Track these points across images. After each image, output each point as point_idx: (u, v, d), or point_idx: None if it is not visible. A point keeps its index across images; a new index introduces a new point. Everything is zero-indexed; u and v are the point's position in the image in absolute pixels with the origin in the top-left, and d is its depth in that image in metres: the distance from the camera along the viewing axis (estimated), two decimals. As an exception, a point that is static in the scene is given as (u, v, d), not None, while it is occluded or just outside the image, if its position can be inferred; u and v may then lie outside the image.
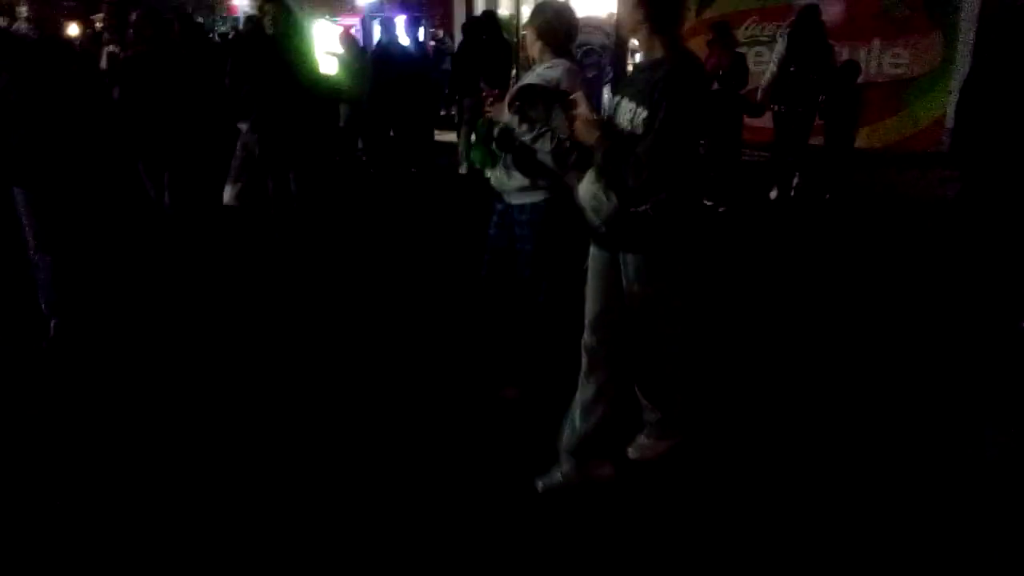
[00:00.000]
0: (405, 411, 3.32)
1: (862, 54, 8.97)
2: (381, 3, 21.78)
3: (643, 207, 2.33)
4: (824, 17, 7.22)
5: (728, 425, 3.23)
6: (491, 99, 3.04)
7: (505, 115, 2.88)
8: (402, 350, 3.95)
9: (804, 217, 7.00)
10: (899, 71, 9.28)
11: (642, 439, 2.90)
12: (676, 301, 2.59)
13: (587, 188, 2.42)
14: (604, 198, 2.35)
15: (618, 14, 11.30)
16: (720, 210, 6.92)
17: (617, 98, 2.46)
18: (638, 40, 2.43)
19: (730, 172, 7.09)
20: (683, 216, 2.45)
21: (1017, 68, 3.56)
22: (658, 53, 2.35)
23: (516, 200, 3.00)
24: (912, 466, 2.92)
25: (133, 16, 4.73)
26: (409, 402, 3.40)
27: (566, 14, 3.02)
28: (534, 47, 3.01)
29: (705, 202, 7.08)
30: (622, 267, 2.49)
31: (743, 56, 7.40)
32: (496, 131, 2.82)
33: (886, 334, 4.25)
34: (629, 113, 2.33)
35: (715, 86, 6.95)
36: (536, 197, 2.94)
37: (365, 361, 3.85)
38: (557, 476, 2.69)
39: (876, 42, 9.29)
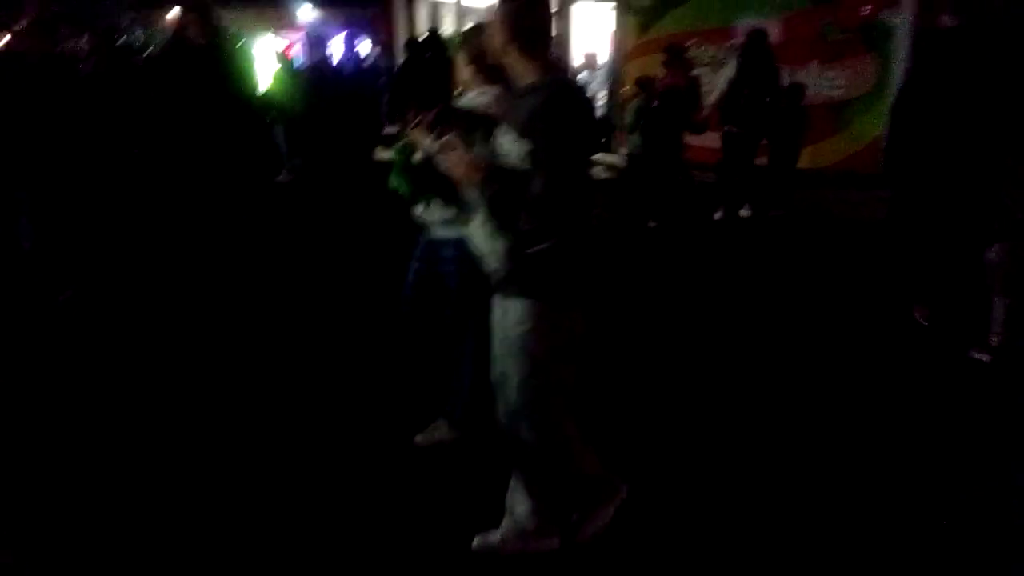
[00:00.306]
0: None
1: (801, 76, 9.05)
2: (323, 20, 21.42)
3: (537, 248, 2.12)
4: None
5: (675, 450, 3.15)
6: (417, 123, 2.82)
7: (427, 141, 2.67)
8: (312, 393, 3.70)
9: (749, 236, 7.06)
10: (836, 93, 9.40)
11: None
12: (560, 367, 2.25)
13: (478, 231, 2.23)
14: (497, 241, 2.17)
15: (559, 32, 11.36)
16: (651, 225, 7.06)
17: (500, 129, 2.27)
18: (508, 65, 2.24)
19: (671, 190, 7.15)
20: (579, 258, 2.24)
21: (937, 89, 3.77)
22: (531, 78, 2.17)
23: (440, 233, 2.79)
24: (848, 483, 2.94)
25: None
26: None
27: None
28: (464, 72, 2.81)
29: (650, 224, 7.19)
30: (501, 313, 2.25)
31: (697, 79, 7.45)
32: (415, 159, 2.61)
33: (815, 347, 4.34)
34: (512, 146, 2.14)
35: (655, 103, 6.96)
36: (461, 231, 2.73)
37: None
38: (494, 539, 2.45)
39: (814, 65, 9.41)
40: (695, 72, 7.75)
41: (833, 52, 9.46)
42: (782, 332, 4.62)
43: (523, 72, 2.18)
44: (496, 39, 2.18)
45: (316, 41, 8.08)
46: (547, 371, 2.21)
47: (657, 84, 7.32)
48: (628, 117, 7.33)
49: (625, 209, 7.56)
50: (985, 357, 3.97)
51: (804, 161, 7.93)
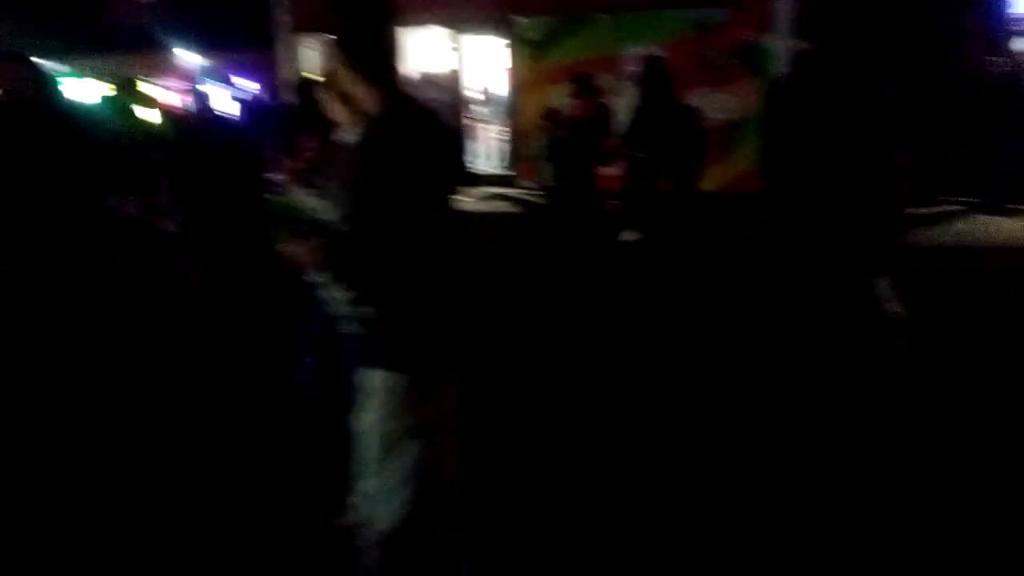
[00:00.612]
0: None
1: (690, 101, 9.30)
2: (213, 67, 20.78)
3: (388, 317, 1.89)
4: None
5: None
6: (293, 174, 2.58)
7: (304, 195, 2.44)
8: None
9: (661, 258, 7.13)
10: (723, 116, 9.71)
11: None
12: (427, 443, 1.96)
13: (337, 297, 1.97)
14: (354, 307, 1.91)
15: (453, 67, 11.33)
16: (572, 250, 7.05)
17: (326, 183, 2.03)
18: (356, 96, 1.97)
19: (586, 218, 7.14)
20: (442, 323, 1.95)
21: (802, 108, 3.83)
22: (374, 108, 1.90)
23: (337, 306, 2.54)
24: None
25: None
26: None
27: None
28: (335, 111, 2.52)
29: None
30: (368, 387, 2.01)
31: (606, 106, 7.46)
32: (291, 214, 2.37)
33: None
34: (328, 202, 1.92)
35: (564, 134, 6.97)
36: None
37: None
38: None
39: (701, 89, 9.70)
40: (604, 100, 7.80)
41: (718, 76, 9.81)
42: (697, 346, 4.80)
43: (368, 102, 1.91)
44: (335, 63, 1.92)
45: (198, 95, 7.59)
46: (413, 447, 1.94)
47: (565, 114, 7.31)
48: (540, 148, 7.28)
49: (542, 239, 7.57)
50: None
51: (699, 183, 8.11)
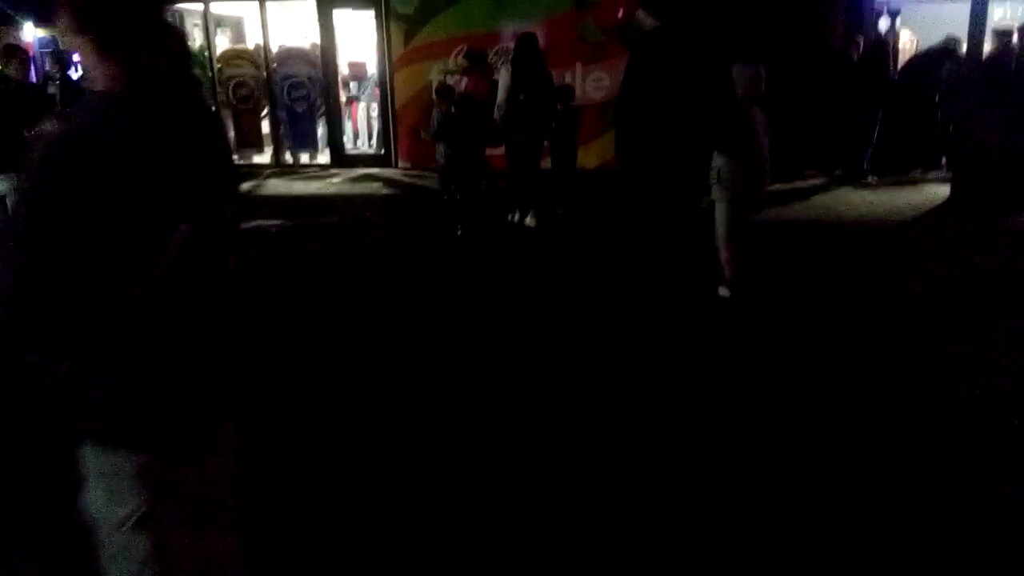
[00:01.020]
0: None
1: (567, 78, 9.18)
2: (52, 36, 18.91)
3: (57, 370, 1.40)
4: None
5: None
6: None
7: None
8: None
9: (542, 235, 7.09)
10: (601, 94, 9.66)
11: None
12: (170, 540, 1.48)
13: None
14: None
15: (323, 42, 10.71)
16: (458, 232, 6.97)
17: None
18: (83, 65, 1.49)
19: (475, 197, 7.08)
20: (179, 383, 1.47)
21: (646, 84, 4.08)
22: (100, 85, 1.36)
23: None
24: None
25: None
26: None
27: None
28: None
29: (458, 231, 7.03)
30: None
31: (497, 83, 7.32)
32: None
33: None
34: None
35: (452, 110, 6.84)
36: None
37: None
38: None
39: (578, 67, 9.60)
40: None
41: (594, 54, 9.73)
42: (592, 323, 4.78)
43: (97, 78, 1.36)
44: (63, 26, 1.35)
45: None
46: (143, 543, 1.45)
47: (458, 91, 7.14)
48: (431, 127, 6.94)
49: (432, 218, 7.39)
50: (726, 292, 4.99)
51: (579, 160, 8.02)
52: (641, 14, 4.41)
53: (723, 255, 4.95)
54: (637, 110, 4.09)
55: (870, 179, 8.92)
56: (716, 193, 4.82)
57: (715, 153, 4.62)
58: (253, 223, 7.31)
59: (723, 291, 5.01)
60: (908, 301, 5.02)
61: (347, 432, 3.42)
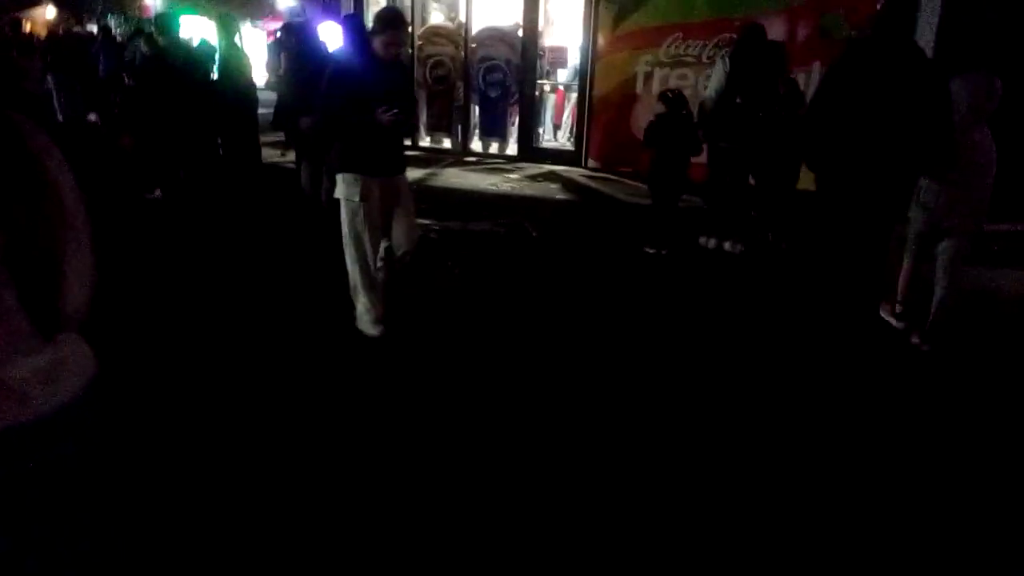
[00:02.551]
0: None
1: (801, 80, 7.61)
2: (302, 7, 20.00)
3: None
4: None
5: None
6: None
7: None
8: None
9: (747, 265, 5.83)
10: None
11: None
12: None
13: None
14: None
15: (525, 23, 9.87)
16: (663, 253, 5.95)
17: None
18: None
19: (672, 213, 6.03)
20: None
21: (856, 91, 3.72)
22: None
23: None
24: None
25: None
26: None
27: None
28: None
29: (647, 249, 6.02)
30: None
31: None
32: None
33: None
34: None
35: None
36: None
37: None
38: None
39: (816, 67, 7.97)
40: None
41: (838, 53, 8.05)
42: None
43: None
44: None
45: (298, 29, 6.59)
46: None
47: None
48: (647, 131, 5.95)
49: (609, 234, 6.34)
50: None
51: (806, 180, 6.51)
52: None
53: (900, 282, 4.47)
54: (835, 116, 3.81)
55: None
56: (914, 217, 4.23)
57: (922, 176, 4.06)
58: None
59: (892, 321, 4.52)
60: None
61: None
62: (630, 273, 5.50)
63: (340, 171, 3.90)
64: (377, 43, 3.77)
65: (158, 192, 6.61)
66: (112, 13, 20.18)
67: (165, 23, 6.28)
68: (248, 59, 7.11)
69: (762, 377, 3.83)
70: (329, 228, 4.15)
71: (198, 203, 6.28)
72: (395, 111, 3.67)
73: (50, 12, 18.94)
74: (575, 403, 3.49)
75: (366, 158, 3.87)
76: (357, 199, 3.85)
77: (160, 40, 6.27)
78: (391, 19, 3.79)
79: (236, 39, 6.83)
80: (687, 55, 8.71)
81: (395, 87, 3.88)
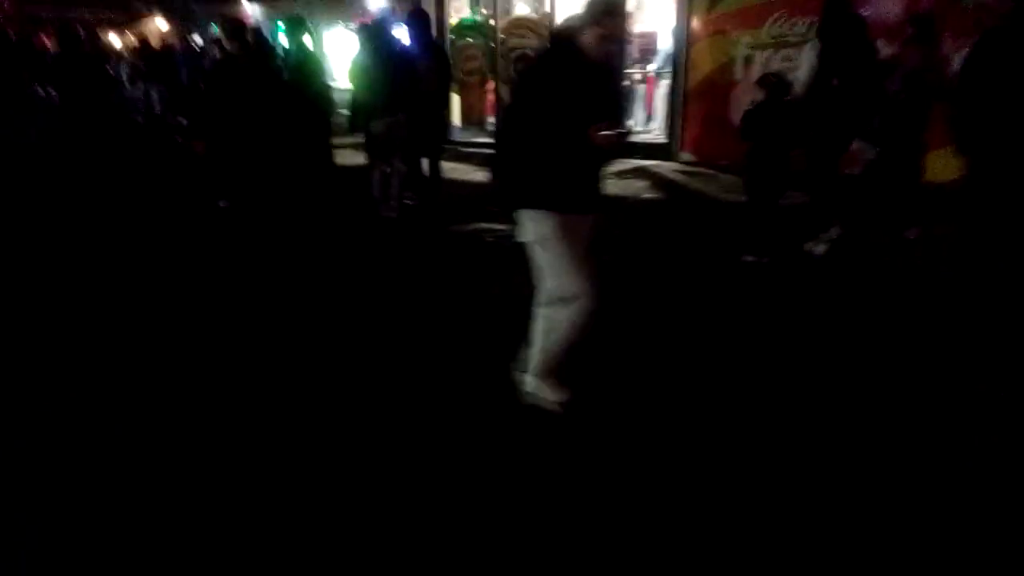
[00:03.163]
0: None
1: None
2: (392, 8, 20.06)
3: None
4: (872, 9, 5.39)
5: None
6: None
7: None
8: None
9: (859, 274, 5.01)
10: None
11: None
12: None
13: None
14: None
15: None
16: (764, 261, 5.22)
17: None
18: None
19: (772, 214, 5.31)
20: None
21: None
22: None
23: None
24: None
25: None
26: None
27: None
28: None
29: (746, 257, 5.32)
30: None
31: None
32: None
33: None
34: None
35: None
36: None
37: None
38: None
39: (947, 41, 6.96)
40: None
41: (971, 24, 7.01)
42: None
43: None
44: None
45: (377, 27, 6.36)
46: None
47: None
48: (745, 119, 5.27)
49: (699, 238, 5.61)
50: None
51: (938, 171, 5.61)
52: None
53: None
54: (993, 94, 3.58)
55: None
56: None
57: None
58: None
59: None
60: None
61: None
62: (722, 288, 4.81)
63: (530, 206, 2.99)
64: (590, 36, 2.84)
65: (224, 202, 6.47)
66: (215, 23, 20.91)
67: (233, 27, 6.11)
68: (321, 61, 6.88)
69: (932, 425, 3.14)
70: (399, 238, 3.80)
71: (262, 212, 6.08)
72: (621, 130, 2.86)
73: (162, 24, 19.79)
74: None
75: (571, 189, 2.97)
76: (560, 235, 2.96)
77: (228, 46, 6.11)
78: (614, 3, 2.89)
79: (306, 41, 6.59)
80: (791, 35, 7.86)
81: (607, 94, 3.04)
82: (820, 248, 5.40)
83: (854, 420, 3.15)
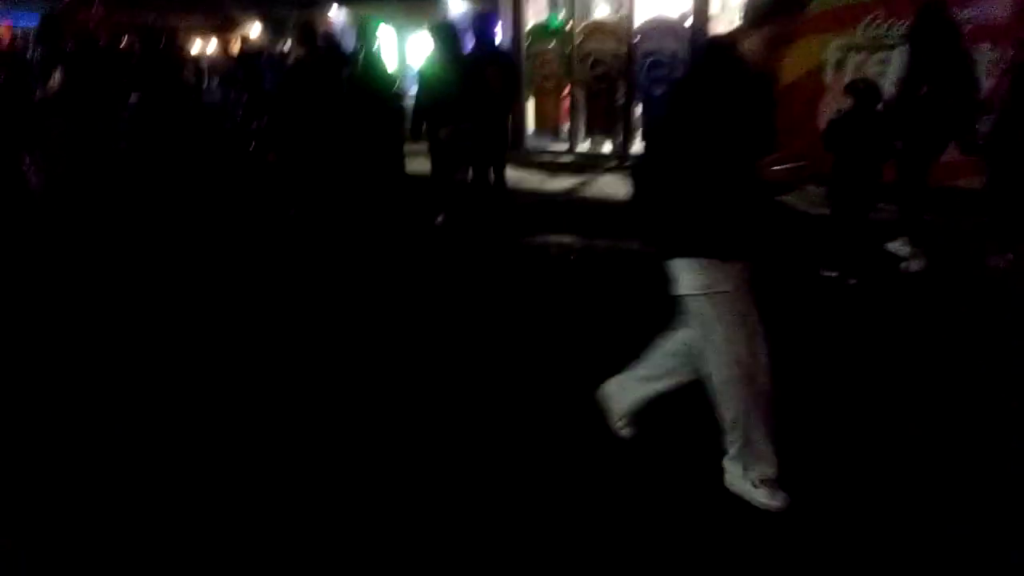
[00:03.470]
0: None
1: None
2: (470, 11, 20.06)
3: None
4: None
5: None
6: None
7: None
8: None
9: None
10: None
11: None
12: None
13: None
14: None
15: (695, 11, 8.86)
16: (850, 282, 4.85)
17: None
18: None
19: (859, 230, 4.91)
20: None
21: None
22: None
23: None
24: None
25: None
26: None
27: None
28: None
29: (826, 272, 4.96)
30: None
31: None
32: None
33: None
34: None
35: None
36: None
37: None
38: None
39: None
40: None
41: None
42: None
43: None
44: None
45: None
46: None
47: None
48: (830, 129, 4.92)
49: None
50: None
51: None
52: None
53: None
54: None
55: None
56: None
57: None
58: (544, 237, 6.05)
59: None
60: None
61: None
62: (800, 307, 4.45)
63: (689, 255, 2.46)
64: (756, 40, 2.31)
65: (292, 211, 6.49)
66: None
67: (303, 32, 6.10)
68: (386, 67, 6.80)
69: None
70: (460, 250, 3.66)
71: (328, 221, 6.05)
72: (802, 163, 2.27)
73: (254, 30, 20.46)
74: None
75: (735, 233, 2.44)
76: (727, 288, 2.43)
77: (299, 51, 6.12)
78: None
79: (376, 46, 6.52)
80: (888, 37, 7.32)
81: (767, 115, 2.42)
82: (915, 265, 5.00)
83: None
